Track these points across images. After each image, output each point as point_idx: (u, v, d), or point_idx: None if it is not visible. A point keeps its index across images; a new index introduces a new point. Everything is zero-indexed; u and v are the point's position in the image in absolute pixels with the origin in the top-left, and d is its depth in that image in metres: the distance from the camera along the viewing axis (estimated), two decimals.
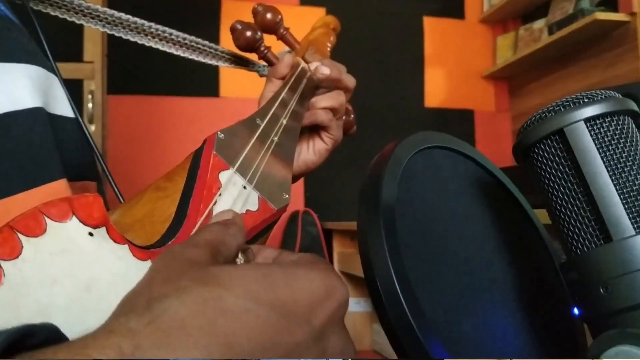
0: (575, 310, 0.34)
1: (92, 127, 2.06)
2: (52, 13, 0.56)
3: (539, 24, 2.43)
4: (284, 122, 0.51)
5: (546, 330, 0.40)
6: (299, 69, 0.59)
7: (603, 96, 0.34)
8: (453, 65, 2.69)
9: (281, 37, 0.65)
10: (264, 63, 0.65)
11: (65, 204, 0.28)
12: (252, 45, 0.62)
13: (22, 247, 0.26)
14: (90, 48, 1.97)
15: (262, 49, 0.63)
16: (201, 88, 2.33)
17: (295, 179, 0.61)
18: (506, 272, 0.40)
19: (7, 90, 0.38)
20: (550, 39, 2.19)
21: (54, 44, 0.48)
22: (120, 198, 0.45)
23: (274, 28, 0.63)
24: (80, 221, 0.28)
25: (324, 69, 0.59)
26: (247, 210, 0.41)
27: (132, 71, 2.19)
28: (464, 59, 2.71)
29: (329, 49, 0.71)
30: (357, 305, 2.28)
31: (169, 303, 0.20)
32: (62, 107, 0.45)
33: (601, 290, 0.31)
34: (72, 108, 0.46)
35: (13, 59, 0.40)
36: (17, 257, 0.25)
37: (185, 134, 2.30)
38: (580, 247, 0.33)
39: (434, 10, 2.69)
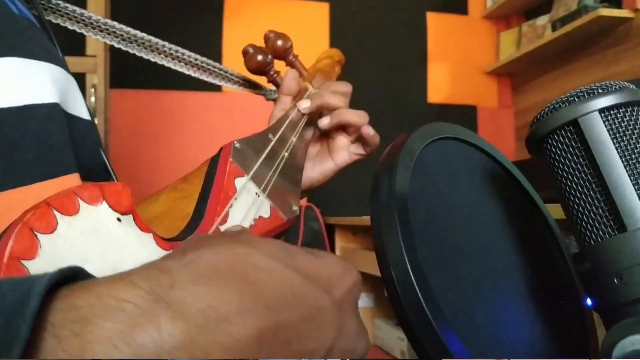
0: (589, 301, 0.34)
1: (95, 121, 2.05)
2: (71, 27, 0.57)
3: (543, 20, 2.42)
4: (294, 140, 0.54)
5: (557, 321, 0.40)
6: (307, 93, 0.61)
7: (617, 87, 0.34)
8: (456, 61, 2.69)
9: (290, 64, 0.67)
10: (273, 87, 0.68)
11: (96, 189, 0.29)
12: (263, 69, 0.64)
13: (57, 223, 0.27)
14: (92, 42, 1.97)
15: (272, 72, 0.65)
16: (204, 83, 2.30)
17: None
18: (517, 263, 0.41)
19: (27, 84, 0.39)
20: (554, 36, 2.19)
21: (57, 37, 0.48)
22: None
23: (284, 54, 0.66)
24: (110, 206, 0.30)
25: (303, 103, 0.59)
26: (260, 217, 0.44)
27: (135, 65, 2.17)
28: (467, 55, 2.71)
29: (334, 80, 0.73)
30: (359, 301, 2.27)
31: (203, 252, 0.22)
32: (79, 108, 0.46)
33: (615, 281, 0.31)
34: (88, 110, 0.47)
35: (35, 56, 0.41)
36: (53, 232, 0.26)
37: (188, 129, 2.30)
38: (594, 237, 0.33)
39: (437, 6, 2.68)
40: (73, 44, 1.90)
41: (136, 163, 2.20)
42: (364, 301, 2.30)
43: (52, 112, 0.40)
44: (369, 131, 0.59)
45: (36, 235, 0.25)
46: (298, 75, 0.64)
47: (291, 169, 0.51)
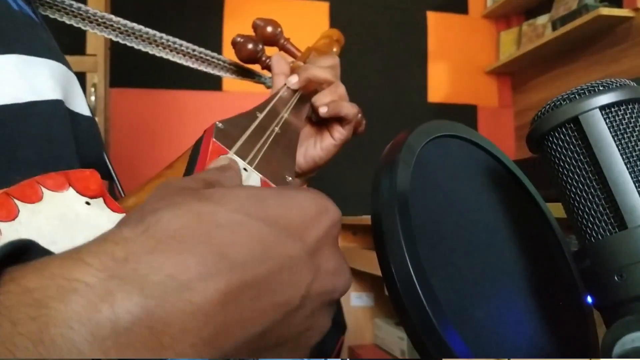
0: (589, 298, 0.34)
1: (95, 119, 2.05)
2: (68, 22, 0.57)
3: (543, 19, 2.42)
4: (285, 115, 0.54)
5: (557, 318, 0.40)
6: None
7: (618, 84, 0.34)
8: (456, 60, 2.69)
9: (282, 48, 0.68)
10: (269, 74, 0.67)
11: (61, 177, 0.29)
12: (254, 57, 0.65)
13: (19, 211, 0.27)
14: (93, 41, 1.97)
15: (264, 59, 0.65)
16: (204, 82, 2.32)
17: (306, 176, 0.64)
18: (517, 261, 0.41)
19: (29, 81, 0.39)
20: (554, 35, 2.19)
21: (57, 37, 0.49)
22: (123, 194, 0.46)
23: (275, 39, 0.66)
24: (77, 192, 0.30)
25: (291, 78, 0.59)
26: None
27: (135, 64, 2.19)
28: (467, 54, 2.71)
29: None
30: (359, 300, 2.29)
31: (162, 215, 0.21)
32: (80, 105, 0.47)
33: (616, 278, 0.31)
34: (89, 107, 0.48)
35: (36, 53, 0.41)
36: (14, 219, 0.26)
37: (188, 128, 2.30)
38: (595, 235, 0.33)
39: (437, 5, 2.68)
40: (73, 43, 1.90)
41: (136, 162, 2.20)
42: (364, 300, 2.30)
43: (55, 109, 0.40)
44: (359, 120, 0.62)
45: None
46: (285, 55, 0.64)
47: (283, 142, 0.51)
